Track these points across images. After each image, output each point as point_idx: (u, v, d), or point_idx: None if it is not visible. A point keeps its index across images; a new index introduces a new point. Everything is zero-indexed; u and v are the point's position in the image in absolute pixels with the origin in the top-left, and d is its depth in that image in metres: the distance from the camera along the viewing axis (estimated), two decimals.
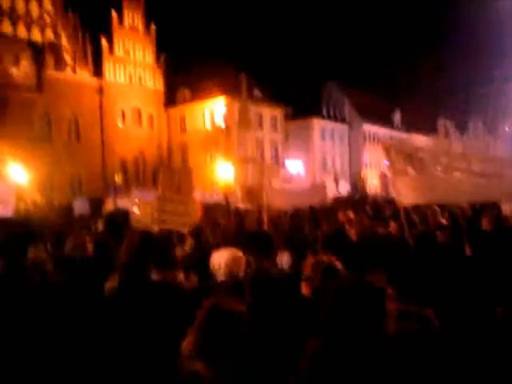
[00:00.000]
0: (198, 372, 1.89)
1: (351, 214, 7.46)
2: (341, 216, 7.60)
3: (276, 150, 51.56)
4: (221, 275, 3.52)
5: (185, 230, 7.26)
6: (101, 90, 42.84)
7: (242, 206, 16.09)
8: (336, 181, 31.05)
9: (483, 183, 4.67)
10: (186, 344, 2.01)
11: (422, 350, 1.81)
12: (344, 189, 26.64)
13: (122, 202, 19.26)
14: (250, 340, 2.30)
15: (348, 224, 7.03)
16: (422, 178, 4.97)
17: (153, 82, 47.85)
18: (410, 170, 5.09)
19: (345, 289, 1.94)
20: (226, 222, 9.40)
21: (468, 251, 4.39)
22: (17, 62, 37.43)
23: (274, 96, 51.06)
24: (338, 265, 2.89)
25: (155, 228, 7.69)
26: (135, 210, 8.61)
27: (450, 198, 5.20)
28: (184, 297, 3.40)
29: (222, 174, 41.73)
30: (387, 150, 5.32)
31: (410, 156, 5.08)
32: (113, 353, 2.87)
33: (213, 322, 2.01)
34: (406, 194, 5.05)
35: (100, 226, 9.63)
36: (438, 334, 1.87)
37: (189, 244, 5.84)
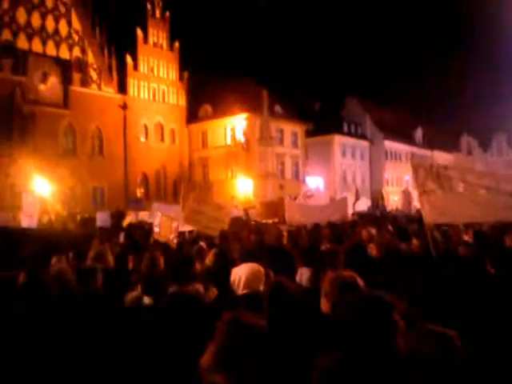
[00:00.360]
0: None
1: (373, 231, 7.41)
2: (363, 233, 7.57)
3: (297, 165, 51.57)
4: (241, 289, 3.51)
5: (210, 234, 7.40)
6: (124, 106, 43.62)
7: (261, 220, 16.10)
8: (357, 197, 30.82)
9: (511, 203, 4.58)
10: (206, 356, 2.01)
11: (442, 372, 1.76)
12: (365, 205, 26.39)
13: (143, 216, 19.51)
14: (269, 354, 2.29)
15: (369, 240, 6.99)
16: (449, 197, 4.91)
17: (176, 98, 48.58)
18: (437, 189, 5.03)
19: (354, 303, 1.92)
20: (246, 237, 9.40)
21: (491, 269, 4.29)
22: (45, 79, 38.47)
23: (295, 112, 51.26)
24: (359, 281, 2.86)
25: (174, 240, 7.79)
26: (156, 223, 8.75)
27: (478, 217, 5.10)
28: (204, 309, 3.40)
29: (243, 189, 41.90)
30: (416, 168, 5.29)
31: (438, 175, 5.03)
32: (131, 363, 2.88)
33: (233, 335, 2.00)
34: (434, 213, 4.98)
35: (121, 238, 9.78)
36: (461, 357, 1.80)
37: (209, 258, 5.86)
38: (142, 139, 45.52)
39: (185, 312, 3.26)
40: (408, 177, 54.47)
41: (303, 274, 4.91)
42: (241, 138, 45.85)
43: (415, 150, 63.84)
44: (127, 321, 3.61)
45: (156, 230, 8.42)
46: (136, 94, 44.90)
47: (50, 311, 3.44)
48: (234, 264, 4.33)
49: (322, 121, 53.57)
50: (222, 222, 7.86)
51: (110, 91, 42.97)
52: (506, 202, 4.59)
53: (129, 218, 19.08)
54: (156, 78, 46.64)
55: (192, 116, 49.89)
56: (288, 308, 3.05)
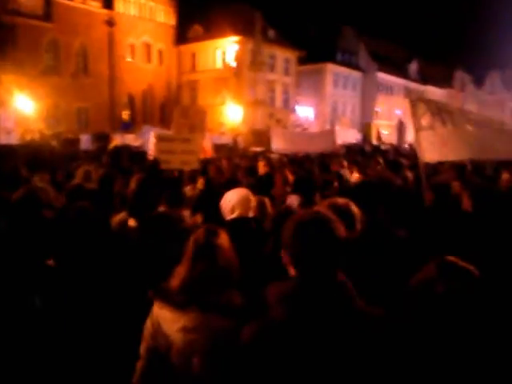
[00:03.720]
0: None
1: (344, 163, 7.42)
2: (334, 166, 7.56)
3: (287, 94, 50.52)
4: (229, 214, 3.46)
5: (189, 168, 7.18)
6: (111, 22, 41.51)
7: (249, 148, 15.99)
8: (347, 128, 30.60)
9: None
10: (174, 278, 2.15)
11: (456, 309, 1.67)
12: (354, 137, 26.25)
13: (129, 138, 19.15)
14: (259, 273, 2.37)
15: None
16: (449, 133, 4.72)
17: (164, 15, 46.29)
18: (435, 124, 4.83)
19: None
20: (233, 164, 9.30)
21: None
22: None
23: (288, 38, 49.46)
24: (353, 207, 2.76)
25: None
26: (150, 145, 8.51)
27: (483, 154, 4.94)
28: (184, 231, 3.36)
29: (232, 116, 41.21)
30: (414, 103, 5.05)
31: (439, 109, 4.83)
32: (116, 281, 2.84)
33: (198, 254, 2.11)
34: (430, 151, 4.82)
35: (107, 160, 9.60)
36: (478, 294, 1.70)
37: (200, 183, 5.76)
38: (129, 59, 43.78)
39: (167, 231, 3.24)
40: (399, 111, 54.05)
41: (293, 202, 4.86)
42: (231, 62, 44.38)
43: (408, 83, 62.72)
44: (114, 241, 3.55)
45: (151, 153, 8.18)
46: (123, 10, 42.57)
47: (36, 230, 3.35)
48: (223, 190, 4.23)
49: (316, 48, 51.88)
50: (194, 154, 7.59)
51: (95, 5, 40.62)
52: (508, 138, 4.46)
53: (115, 141, 18.76)
54: None
55: (181, 36, 47.86)
56: None
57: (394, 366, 1.62)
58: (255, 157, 11.12)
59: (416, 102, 5.13)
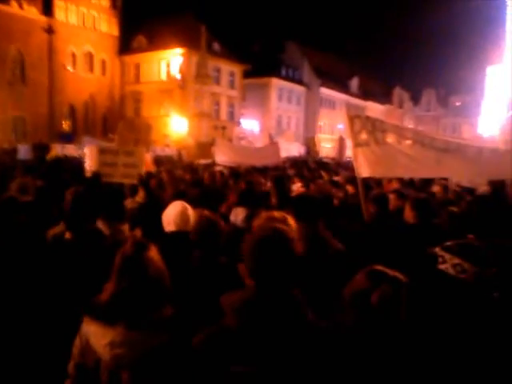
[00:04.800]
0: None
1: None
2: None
3: (232, 107, 50.81)
4: (168, 227, 3.44)
5: (131, 182, 7.05)
6: (50, 30, 40.17)
7: (194, 161, 15.90)
8: (290, 141, 31.12)
9: (446, 159, 4.65)
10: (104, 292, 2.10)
11: (390, 315, 1.74)
12: (298, 151, 26.74)
13: (69, 149, 18.58)
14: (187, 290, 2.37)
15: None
16: (382, 151, 4.90)
17: (107, 25, 45.42)
18: (370, 141, 5.00)
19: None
20: (178, 176, 9.21)
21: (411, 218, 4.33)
22: None
23: (233, 51, 49.89)
24: (290, 220, 2.83)
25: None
26: (87, 158, 8.31)
27: (410, 172, 5.15)
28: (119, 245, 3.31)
29: (176, 128, 40.90)
30: (351, 119, 5.19)
31: (373, 127, 5.00)
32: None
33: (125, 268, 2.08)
34: (367, 167, 4.98)
35: (46, 171, 9.24)
36: (409, 302, 1.80)
37: (141, 196, 5.66)
38: (70, 68, 42.53)
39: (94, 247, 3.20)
40: (341, 125, 55.65)
41: (238, 214, 4.88)
42: (176, 74, 44.16)
43: (350, 98, 64.75)
44: (48, 254, 3.44)
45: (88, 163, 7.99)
46: (63, 18, 41.35)
47: None
48: (166, 203, 4.20)
49: (261, 63, 52.61)
50: (136, 167, 7.52)
51: (32, 12, 39.21)
52: (439, 157, 4.66)
53: (54, 152, 18.12)
54: (86, 3, 43.07)
55: (125, 47, 47.13)
56: (218, 245, 3.05)
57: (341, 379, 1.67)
58: (199, 169, 11.09)
59: (354, 118, 5.27)
